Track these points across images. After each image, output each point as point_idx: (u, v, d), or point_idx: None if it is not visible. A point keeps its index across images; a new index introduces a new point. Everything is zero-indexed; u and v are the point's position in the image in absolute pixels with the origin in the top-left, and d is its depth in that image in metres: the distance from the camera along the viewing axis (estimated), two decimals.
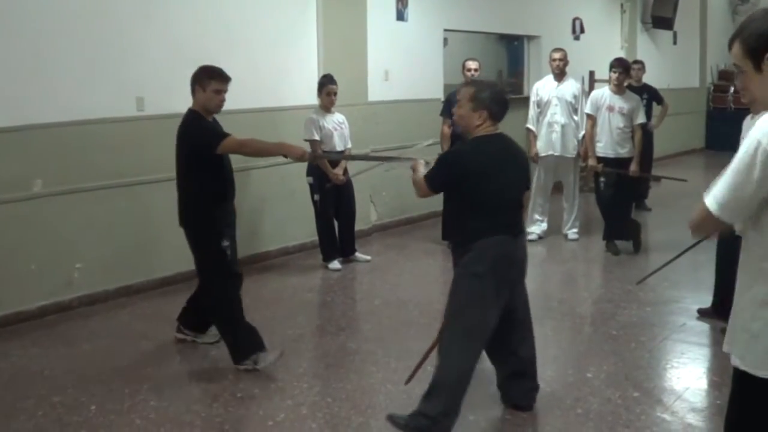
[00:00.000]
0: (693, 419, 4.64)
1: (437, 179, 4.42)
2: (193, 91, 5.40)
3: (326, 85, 7.86)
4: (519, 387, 4.70)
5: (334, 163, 7.70)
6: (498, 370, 4.77)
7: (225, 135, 5.26)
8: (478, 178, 4.30)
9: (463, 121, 4.48)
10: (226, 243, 5.34)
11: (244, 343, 5.32)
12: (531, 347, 4.71)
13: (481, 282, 4.28)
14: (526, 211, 4.73)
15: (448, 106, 8.78)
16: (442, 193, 4.79)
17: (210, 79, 5.33)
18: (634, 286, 7.16)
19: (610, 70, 8.57)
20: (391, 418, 4.40)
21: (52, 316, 6.50)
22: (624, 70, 8.64)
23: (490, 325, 4.34)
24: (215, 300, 5.42)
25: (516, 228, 4.44)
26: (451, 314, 4.37)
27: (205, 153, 5.27)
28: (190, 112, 5.43)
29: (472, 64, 8.85)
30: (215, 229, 5.34)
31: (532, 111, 9.24)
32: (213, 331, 5.90)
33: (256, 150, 5.59)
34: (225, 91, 5.40)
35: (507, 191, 4.40)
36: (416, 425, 4.24)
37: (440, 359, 4.36)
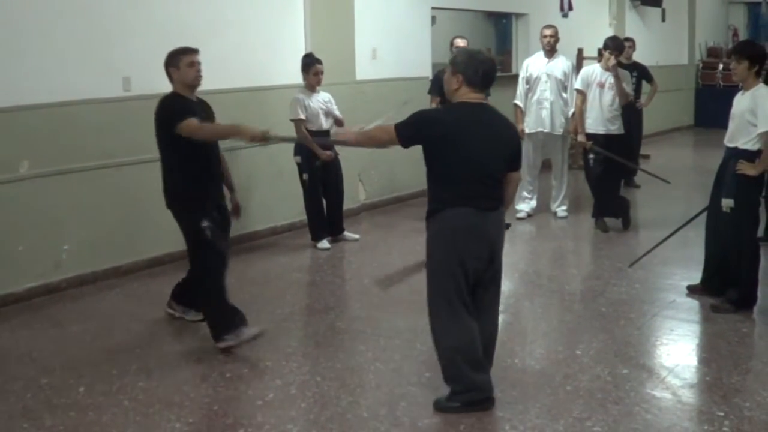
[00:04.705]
0: (683, 395, 4.66)
1: (405, 131, 4.28)
2: (170, 77, 5.42)
3: (313, 64, 7.78)
4: None
5: None
6: None
7: (187, 117, 5.17)
8: (443, 143, 4.21)
9: (446, 86, 4.43)
10: (205, 223, 5.29)
11: (223, 321, 5.29)
12: (492, 324, 4.52)
13: (441, 254, 4.27)
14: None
15: (436, 83, 8.75)
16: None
17: (179, 55, 5.37)
18: (623, 264, 7.16)
19: (605, 49, 8.52)
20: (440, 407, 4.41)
21: (40, 298, 6.47)
22: (618, 53, 8.61)
23: (460, 292, 4.27)
24: (197, 276, 5.47)
25: (485, 201, 4.26)
26: (428, 284, 4.40)
27: (171, 132, 5.23)
28: (169, 93, 5.44)
29: (460, 42, 8.80)
30: (194, 209, 5.32)
31: (521, 87, 9.19)
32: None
33: (209, 133, 5.38)
34: (198, 62, 5.39)
35: (476, 163, 4.21)
36: (451, 406, 4.36)
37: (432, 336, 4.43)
